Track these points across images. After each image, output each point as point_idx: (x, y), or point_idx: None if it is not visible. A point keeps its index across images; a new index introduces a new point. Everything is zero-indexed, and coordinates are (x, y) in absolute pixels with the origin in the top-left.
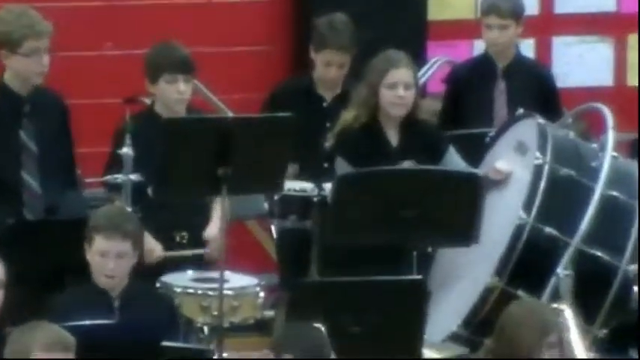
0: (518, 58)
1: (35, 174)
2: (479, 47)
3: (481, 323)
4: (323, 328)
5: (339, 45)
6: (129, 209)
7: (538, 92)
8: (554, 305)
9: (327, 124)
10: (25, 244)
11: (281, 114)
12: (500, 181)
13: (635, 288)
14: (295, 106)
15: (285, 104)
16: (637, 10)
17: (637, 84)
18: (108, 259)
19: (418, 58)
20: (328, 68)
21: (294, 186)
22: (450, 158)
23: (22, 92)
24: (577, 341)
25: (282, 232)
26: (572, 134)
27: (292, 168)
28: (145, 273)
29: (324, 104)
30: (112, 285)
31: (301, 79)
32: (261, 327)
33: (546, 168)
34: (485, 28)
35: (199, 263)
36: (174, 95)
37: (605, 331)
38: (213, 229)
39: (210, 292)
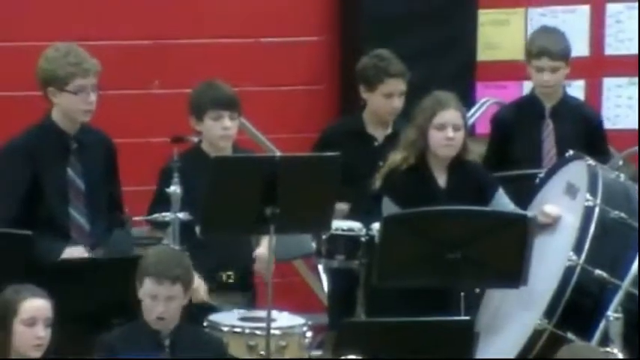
0: (566, 99)
1: (83, 211)
2: (528, 88)
3: None
4: None
5: (397, 72)
6: (177, 248)
7: (586, 133)
8: (605, 349)
9: (380, 164)
10: (72, 282)
11: (327, 153)
12: (550, 225)
13: None
14: (347, 146)
15: (337, 144)
16: None
17: None
18: (158, 301)
19: (467, 99)
20: (390, 99)
21: (341, 225)
22: (499, 199)
23: (69, 130)
24: None
25: (330, 272)
26: (622, 176)
27: (343, 207)
28: (194, 311)
29: (376, 144)
30: (163, 326)
31: (352, 119)
32: None
33: (597, 210)
34: (535, 70)
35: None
36: (219, 132)
37: None
38: (262, 250)
39: (258, 332)
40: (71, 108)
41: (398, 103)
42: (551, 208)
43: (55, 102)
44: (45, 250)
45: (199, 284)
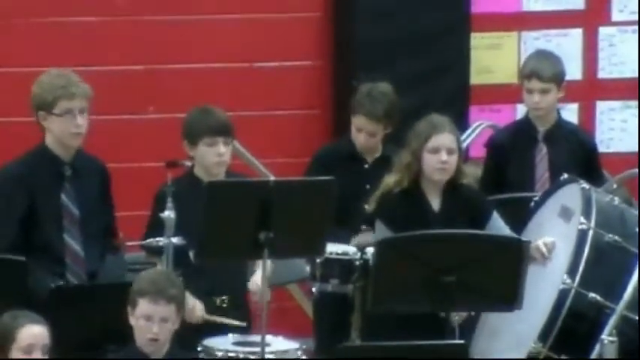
0: (560, 123)
1: (77, 237)
2: (521, 112)
3: None
4: None
5: (370, 113)
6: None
7: (580, 157)
8: None
9: (367, 187)
10: (68, 309)
11: (322, 177)
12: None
13: None
14: (337, 169)
15: (327, 167)
16: None
17: None
18: (152, 322)
19: (461, 123)
20: (359, 134)
21: (336, 249)
22: (493, 223)
23: (63, 156)
24: None
25: (322, 296)
26: (617, 200)
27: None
28: (187, 336)
29: (365, 166)
30: (155, 349)
31: (342, 142)
32: None
33: (590, 233)
34: (526, 92)
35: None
36: (214, 158)
37: None
38: (256, 280)
39: (252, 357)
40: (59, 132)
41: (363, 140)
42: (545, 241)
43: (45, 126)
44: (36, 283)
45: (194, 304)
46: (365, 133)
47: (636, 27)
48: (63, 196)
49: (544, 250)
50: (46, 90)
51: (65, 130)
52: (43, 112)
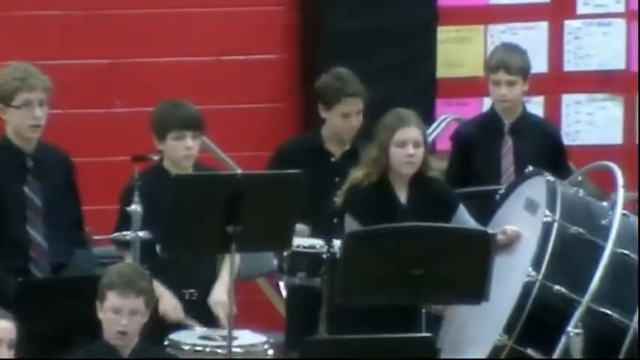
0: (525, 116)
1: (41, 229)
2: (488, 105)
3: None
4: None
5: (354, 92)
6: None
7: (545, 150)
8: None
9: (336, 179)
10: (34, 303)
11: (289, 171)
12: (509, 243)
13: None
14: (303, 163)
15: (294, 160)
16: None
17: None
18: (121, 315)
19: (427, 116)
20: (348, 119)
21: (303, 242)
22: (460, 216)
23: (25, 148)
24: None
25: (292, 289)
26: (582, 192)
27: (303, 229)
28: (154, 329)
29: (333, 159)
30: (124, 342)
31: (311, 135)
32: None
33: (555, 226)
34: (492, 84)
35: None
36: (182, 152)
37: None
38: (218, 293)
39: (219, 350)
40: (18, 123)
41: (355, 122)
42: (511, 227)
43: (5, 119)
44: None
45: (175, 305)
46: (355, 115)
47: (601, 20)
48: (26, 188)
49: (509, 231)
50: (4, 82)
51: (23, 122)
52: (2, 104)
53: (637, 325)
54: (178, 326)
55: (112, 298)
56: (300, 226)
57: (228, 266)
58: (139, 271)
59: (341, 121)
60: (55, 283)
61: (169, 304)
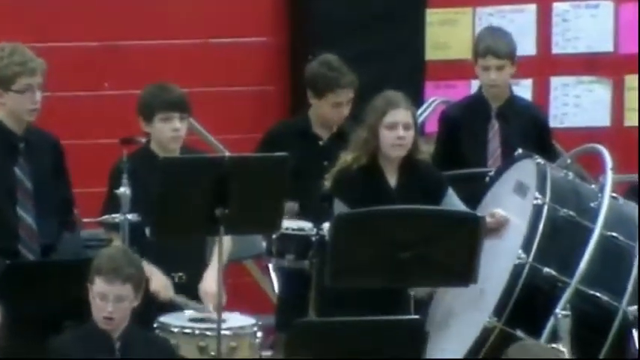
0: (512, 99)
1: (31, 211)
2: (476, 87)
3: None
4: None
5: (347, 83)
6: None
7: (532, 133)
8: (553, 346)
9: (325, 163)
10: (23, 285)
11: (276, 154)
12: (499, 226)
13: (635, 330)
14: (291, 146)
15: (281, 144)
16: (635, 51)
17: (635, 124)
18: (107, 302)
19: (416, 99)
20: (338, 109)
21: (292, 225)
22: (449, 199)
23: (16, 130)
24: None
25: (281, 272)
26: (571, 175)
27: (292, 206)
28: (143, 312)
29: (321, 143)
30: (111, 327)
31: (297, 119)
32: None
33: (545, 208)
34: (481, 69)
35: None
36: (169, 133)
37: None
38: (208, 283)
39: (208, 333)
40: (17, 108)
41: (346, 111)
42: (499, 211)
43: (1, 102)
44: None
45: (166, 283)
46: (345, 104)
47: (589, 2)
48: (17, 170)
49: (498, 215)
50: (2, 66)
51: (23, 106)
52: (1, 89)
53: (625, 308)
54: (169, 307)
55: (99, 284)
56: (289, 204)
57: (217, 254)
58: (128, 256)
59: (331, 110)
60: (43, 265)
61: (159, 282)
